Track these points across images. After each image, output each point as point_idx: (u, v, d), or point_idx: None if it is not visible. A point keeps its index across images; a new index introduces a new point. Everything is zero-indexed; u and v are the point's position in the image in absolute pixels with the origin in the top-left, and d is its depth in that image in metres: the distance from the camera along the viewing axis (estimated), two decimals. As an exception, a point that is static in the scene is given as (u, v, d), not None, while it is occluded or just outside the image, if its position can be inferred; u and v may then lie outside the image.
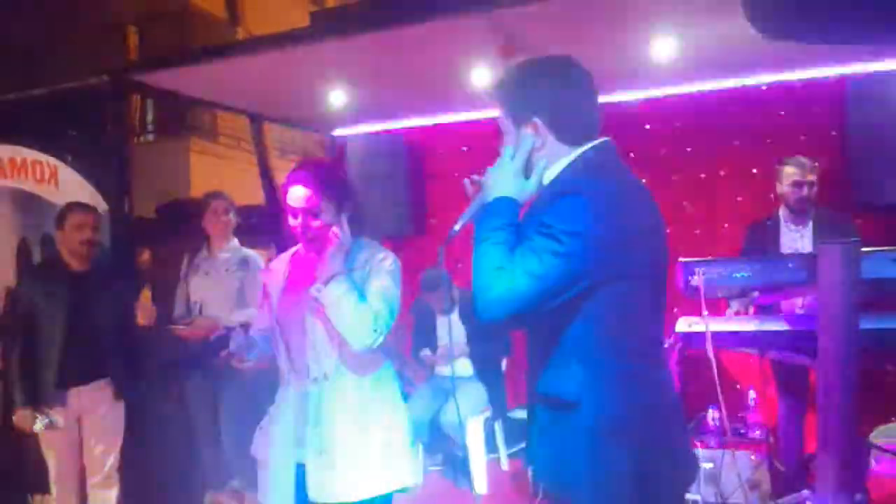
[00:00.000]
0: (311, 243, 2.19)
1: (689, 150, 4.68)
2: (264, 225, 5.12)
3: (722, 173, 4.63)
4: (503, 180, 1.59)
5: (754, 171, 4.45)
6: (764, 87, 4.38)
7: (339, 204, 2.20)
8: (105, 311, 3.36)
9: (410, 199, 5.11)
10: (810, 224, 3.57)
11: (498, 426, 4.45)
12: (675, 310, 3.20)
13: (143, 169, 6.22)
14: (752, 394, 3.86)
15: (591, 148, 1.60)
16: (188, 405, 3.94)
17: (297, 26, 3.88)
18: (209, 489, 3.93)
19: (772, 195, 3.70)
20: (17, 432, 3.28)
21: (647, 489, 1.51)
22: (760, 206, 3.99)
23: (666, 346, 2.30)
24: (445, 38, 3.60)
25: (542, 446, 1.63)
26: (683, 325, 3.00)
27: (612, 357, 1.52)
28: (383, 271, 2.19)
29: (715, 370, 2.60)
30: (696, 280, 2.81)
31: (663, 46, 3.66)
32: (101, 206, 3.91)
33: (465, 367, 4.41)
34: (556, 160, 1.61)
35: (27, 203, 4.14)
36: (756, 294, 2.90)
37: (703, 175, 4.68)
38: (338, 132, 5.58)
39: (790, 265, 2.69)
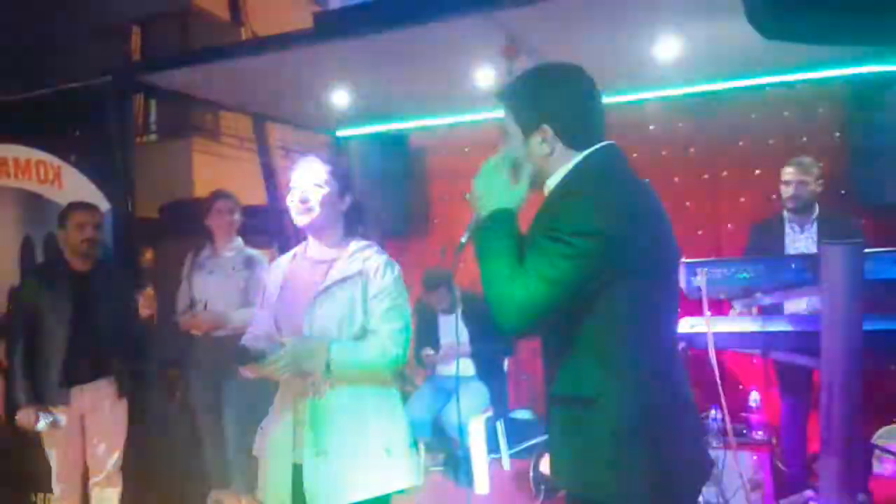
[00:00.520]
0: (303, 215, 2.16)
1: (691, 150, 4.68)
2: (267, 225, 5.13)
3: (724, 174, 4.64)
4: (493, 193, 1.59)
5: (757, 171, 4.45)
6: (767, 88, 4.38)
7: (341, 188, 2.21)
8: (108, 311, 3.37)
9: (413, 199, 5.12)
10: (814, 225, 3.57)
11: (500, 426, 4.45)
12: (678, 309, 3.21)
13: (145, 168, 6.23)
14: (754, 394, 3.86)
15: (596, 151, 1.61)
16: (192, 404, 3.95)
17: (300, 27, 3.89)
18: (212, 488, 3.94)
19: (773, 196, 3.70)
20: (20, 431, 3.28)
21: (667, 486, 1.51)
22: (763, 206, 4.00)
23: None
24: (448, 38, 3.61)
25: (562, 448, 1.62)
26: (686, 325, 3.00)
27: (628, 354, 1.52)
28: (386, 281, 2.16)
29: (717, 371, 2.60)
30: (699, 280, 2.81)
31: (666, 47, 3.67)
32: (104, 205, 3.92)
33: (466, 366, 4.41)
34: (562, 165, 1.62)
35: (30, 202, 4.15)
36: (759, 295, 2.90)
37: (705, 176, 4.68)
38: (341, 132, 5.59)
39: (793, 266, 2.68)
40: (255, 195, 5.62)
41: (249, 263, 3.87)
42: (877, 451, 3.77)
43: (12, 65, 9.67)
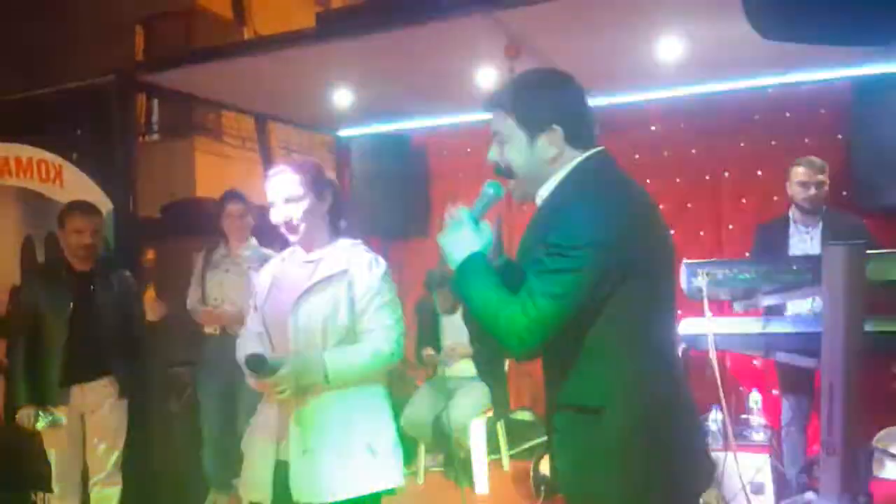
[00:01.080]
0: (292, 234, 2.19)
1: (693, 151, 4.68)
2: (268, 225, 5.12)
3: (727, 175, 4.63)
4: (463, 242, 1.60)
5: (759, 172, 4.44)
6: (769, 89, 4.37)
7: (318, 193, 2.19)
8: (108, 310, 3.37)
9: (415, 199, 5.11)
10: (820, 225, 3.56)
11: (500, 427, 4.44)
12: (679, 311, 3.20)
13: (147, 168, 6.23)
14: (755, 395, 3.85)
15: (586, 159, 1.60)
16: (202, 403, 3.94)
17: (303, 27, 3.89)
18: (212, 488, 3.94)
19: (774, 197, 3.69)
20: (20, 430, 3.28)
21: (669, 493, 1.51)
22: (765, 207, 3.99)
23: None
24: (450, 38, 3.61)
25: (566, 455, 1.60)
26: (686, 326, 3.00)
27: (632, 360, 1.51)
28: (374, 278, 2.17)
29: (717, 372, 2.60)
30: (700, 281, 2.80)
31: (668, 47, 3.66)
32: (106, 205, 3.92)
33: (467, 367, 4.41)
34: (557, 172, 1.61)
35: (32, 202, 4.15)
36: (761, 296, 2.90)
37: (707, 176, 4.67)
38: (343, 132, 5.59)
39: (795, 267, 2.68)
40: (257, 195, 5.63)
41: (266, 262, 3.87)
42: (878, 454, 3.76)
43: (15, 63, 9.68)
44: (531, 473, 3.99)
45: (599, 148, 1.63)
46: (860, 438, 2.76)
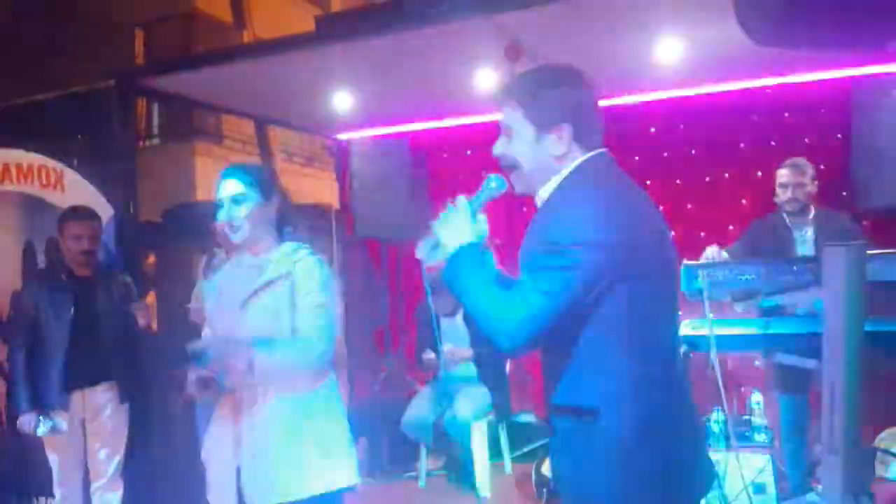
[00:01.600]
0: (233, 233, 2.20)
1: (693, 152, 4.68)
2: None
3: (726, 175, 4.63)
4: (459, 230, 1.61)
5: (759, 173, 4.44)
6: (769, 90, 4.37)
7: (265, 195, 2.21)
8: (109, 315, 3.37)
9: (414, 201, 5.11)
10: (811, 225, 3.56)
11: (502, 430, 4.44)
12: (680, 312, 3.20)
13: (148, 172, 6.24)
14: (756, 396, 3.85)
15: (586, 161, 1.59)
16: (197, 408, 3.94)
17: (302, 31, 3.90)
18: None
19: (774, 198, 3.69)
20: (22, 436, 3.28)
21: (668, 496, 1.50)
22: (764, 208, 3.98)
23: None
24: (449, 41, 3.61)
25: (563, 459, 1.60)
26: (687, 327, 2.99)
27: (627, 361, 1.50)
28: (313, 281, 2.18)
29: (719, 373, 2.59)
30: (701, 282, 2.80)
31: (668, 49, 3.67)
32: (107, 209, 3.92)
33: (469, 369, 4.40)
34: (561, 171, 1.60)
35: (33, 207, 4.15)
36: (761, 297, 2.90)
37: (707, 178, 4.68)
38: (343, 135, 5.60)
39: (795, 267, 2.68)
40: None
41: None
42: (879, 454, 3.76)
43: (15, 67, 9.69)
44: (533, 476, 3.99)
45: (601, 149, 1.62)
46: (862, 439, 2.76)
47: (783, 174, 3.55)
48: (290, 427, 2.13)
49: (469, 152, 5.09)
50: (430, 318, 4.47)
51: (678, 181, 4.71)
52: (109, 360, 3.36)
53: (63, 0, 10.51)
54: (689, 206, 4.68)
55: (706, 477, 1.66)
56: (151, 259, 5.68)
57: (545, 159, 1.60)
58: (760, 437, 3.70)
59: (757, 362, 4.18)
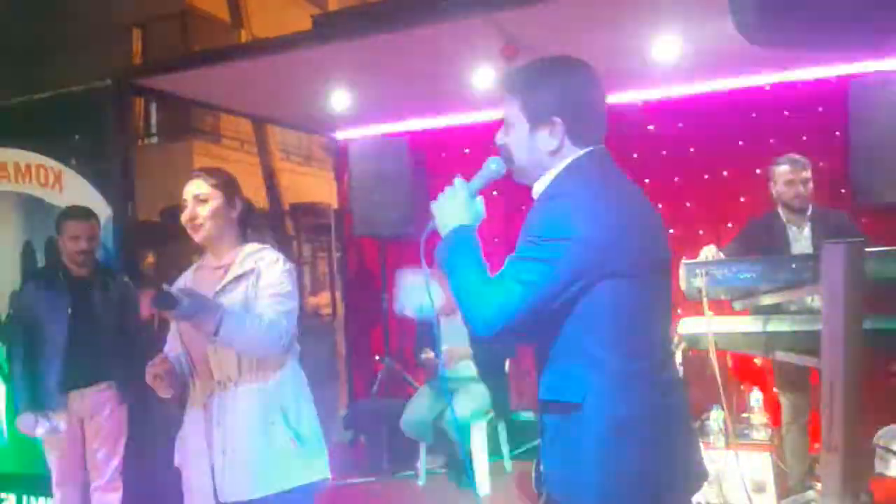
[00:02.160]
0: (195, 232, 2.23)
1: (691, 150, 4.68)
2: (267, 227, 5.13)
3: (725, 173, 4.63)
4: (455, 211, 1.62)
5: (757, 171, 4.43)
6: (767, 87, 4.37)
7: (228, 197, 2.26)
8: (107, 315, 3.37)
9: (413, 200, 5.11)
10: (808, 223, 3.55)
11: (501, 428, 4.44)
12: (679, 310, 3.21)
13: (146, 171, 6.24)
14: (755, 394, 3.85)
15: (582, 156, 1.59)
16: None
17: (300, 29, 3.89)
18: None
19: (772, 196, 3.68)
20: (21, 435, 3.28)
21: (654, 492, 1.50)
22: (763, 206, 3.98)
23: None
24: (447, 40, 3.61)
25: (550, 453, 1.61)
26: (686, 326, 3.00)
27: (611, 357, 1.50)
28: (275, 273, 2.22)
29: (718, 371, 2.60)
30: (699, 281, 2.81)
31: (666, 46, 3.66)
32: (105, 209, 3.92)
33: (468, 368, 4.40)
34: (555, 166, 1.60)
35: (31, 207, 4.15)
36: (760, 295, 2.90)
37: (706, 175, 4.68)
38: (341, 134, 5.59)
39: (793, 265, 2.68)
40: (256, 197, 5.63)
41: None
42: (878, 451, 3.77)
43: (12, 66, 9.68)
44: (533, 474, 3.99)
45: (596, 146, 1.61)
46: (861, 436, 2.76)
47: (786, 171, 3.51)
48: (261, 419, 2.16)
49: (468, 151, 5.09)
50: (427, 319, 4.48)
51: (676, 179, 4.71)
52: (108, 360, 3.36)
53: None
54: (688, 204, 4.68)
55: (693, 476, 1.64)
56: (150, 259, 5.69)
57: (538, 153, 1.60)
58: (760, 435, 3.70)
59: (756, 360, 4.19)
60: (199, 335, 2.15)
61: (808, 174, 3.50)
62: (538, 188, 1.62)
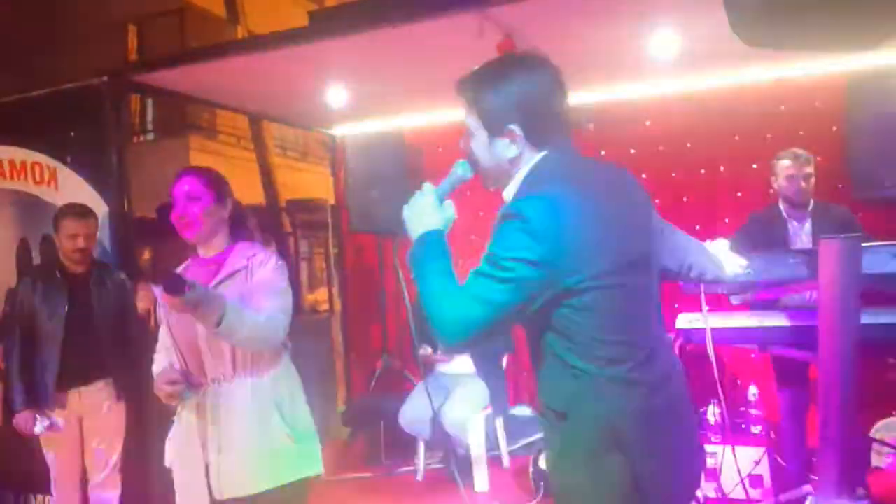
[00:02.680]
0: (187, 230, 2.23)
1: (688, 145, 4.68)
2: (264, 223, 5.12)
3: (722, 169, 4.63)
4: (424, 216, 1.61)
5: (754, 166, 4.44)
6: (763, 83, 4.37)
7: (218, 196, 2.28)
8: (104, 312, 3.36)
9: (410, 196, 5.10)
10: (809, 218, 3.56)
11: (499, 424, 4.45)
12: (676, 305, 3.21)
13: (142, 168, 6.23)
14: (753, 389, 3.86)
15: (539, 161, 1.58)
16: None
17: (296, 25, 3.88)
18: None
19: (770, 190, 3.69)
20: (18, 434, 3.27)
21: (645, 496, 1.49)
22: (760, 201, 3.99)
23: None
24: (444, 35, 3.60)
25: (548, 452, 1.64)
26: (683, 321, 3.00)
27: (588, 365, 1.49)
28: (268, 270, 2.23)
29: (715, 366, 2.60)
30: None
31: (662, 41, 3.66)
32: (101, 206, 3.91)
33: (465, 364, 4.41)
34: (521, 170, 1.59)
35: (27, 204, 4.14)
36: (757, 290, 2.90)
37: (703, 170, 4.68)
38: (337, 130, 5.58)
39: (791, 260, 2.68)
40: (252, 193, 5.62)
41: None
42: (875, 445, 3.78)
43: (8, 63, 9.64)
44: (530, 470, 4.00)
45: (553, 147, 1.58)
46: (857, 430, 2.77)
47: (788, 165, 3.52)
48: (256, 415, 2.17)
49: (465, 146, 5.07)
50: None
51: (673, 174, 4.71)
52: (105, 358, 3.35)
53: (55, -4, 10.46)
54: (685, 199, 4.69)
55: (686, 478, 1.63)
56: (146, 255, 5.68)
57: (500, 161, 1.59)
58: (757, 430, 3.71)
59: (753, 355, 4.20)
60: (192, 333, 2.16)
61: (810, 169, 3.51)
62: (507, 196, 1.62)
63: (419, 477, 4.39)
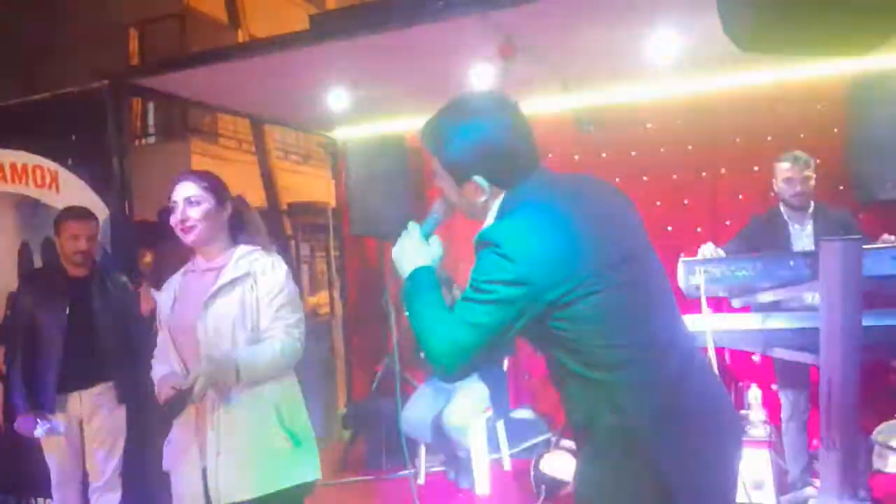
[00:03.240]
0: (187, 234, 2.24)
1: (689, 148, 4.68)
2: (258, 229, 5.10)
3: (723, 171, 4.63)
4: (412, 255, 1.67)
5: (755, 168, 4.44)
6: (764, 85, 4.37)
7: (218, 200, 2.28)
8: (105, 315, 3.36)
9: (411, 199, 5.11)
10: (810, 220, 3.56)
11: (500, 426, 4.44)
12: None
13: (144, 171, 6.22)
14: (754, 391, 3.85)
15: (507, 197, 1.60)
16: None
17: (297, 29, 3.88)
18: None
19: (771, 192, 3.69)
20: (19, 437, 3.27)
21: (677, 500, 1.46)
22: (761, 203, 3.98)
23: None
24: (445, 38, 3.60)
25: (578, 471, 1.65)
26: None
27: (601, 372, 1.49)
28: (275, 280, 2.23)
29: (716, 368, 2.60)
30: (698, 278, 2.81)
31: (663, 44, 3.66)
32: (102, 210, 3.91)
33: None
34: (495, 204, 1.62)
35: (28, 208, 4.15)
36: (759, 293, 2.90)
37: (704, 173, 4.67)
38: (339, 133, 5.59)
39: (791, 263, 2.69)
40: (253, 197, 5.62)
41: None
42: (877, 448, 3.77)
43: (9, 67, 9.66)
44: (532, 472, 3.99)
45: (527, 177, 1.60)
46: (859, 433, 2.76)
47: (786, 168, 3.52)
48: (255, 420, 2.17)
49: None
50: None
51: (674, 177, 4.71)
52: (106, 361, 3.35)
53: (57, 0, 10.48)
54: (686, 201, 4.68)
55: (722, 477, 1.58)
56: (148, 258, 5.67)
57: (471, 203, 1.64)
58: (758, 432, 3.71)
59: (755, 357, 4.19)
60: (192, 338, 2.17)
61: (809, 172, 3.50)
62: (487, 223, 1.65)
63: (420, 480, 4.38)
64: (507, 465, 4.46)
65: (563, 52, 3.50)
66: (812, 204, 3.56)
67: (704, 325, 2.70)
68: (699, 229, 4.60)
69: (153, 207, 6.25)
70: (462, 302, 1.52)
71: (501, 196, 1.62)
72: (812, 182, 3.51)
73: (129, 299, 3.53)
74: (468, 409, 4.15)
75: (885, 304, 2.68)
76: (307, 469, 2.26)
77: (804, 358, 2.91)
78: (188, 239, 2.25)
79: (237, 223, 2.35)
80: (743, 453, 1.67)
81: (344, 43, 3.63)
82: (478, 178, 1.59)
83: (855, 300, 2.29)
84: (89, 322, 3.32)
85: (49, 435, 3.24)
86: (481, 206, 1.64)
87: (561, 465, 3.94)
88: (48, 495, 3.45)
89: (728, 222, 4.48)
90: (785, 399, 3.67)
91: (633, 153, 4.68)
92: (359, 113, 4.78)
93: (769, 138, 4.39)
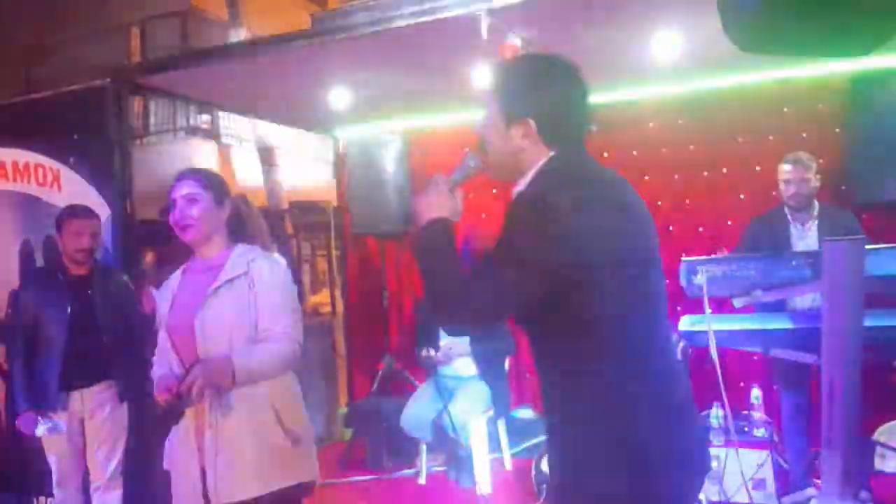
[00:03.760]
0: (184, 232, 2.24)
1: (691, 147, 4.67)
2: (258, 229, 5.10)
3: (724, 171, 4.63)
4: (436, 204, 1.62)
5: (757, 167, 4.44)
6: (766, 85, 4.37)
7: (217, 198, 2.28)
8: (107, 314, 3.36)
9: (410, 199, 5.10)
10: (814, 220, 3.56)
11: (501, 425, 4.44)
12: (679, 307, 3.20)
13: (145, 170, 6.21)
14: (756, 391, 3.85)
15: (551, 159, 1.60)
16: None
17: (298, 28, 3.89)
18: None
19: (773, 192, 3.69)
20: (21, 436, 3.27)
21: (644, 493, 1.48)
22: (763, 203, 3.98)
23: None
24: (447, 37, 3.60)
25: (549, 456, 1.65)
26: (686, 323, 2.99)
27: (587, 374, 1.50)
28: (273, 280, 2.23)
29: (718, 368, 2.60)
30: (700, 279, 2.80)
31: (665, 43, 3.66)
32: (104, 208, 3.91)
33: (467, 366, 4.40)
34: (530, 169, 1.61)
35: (30, 206, 4.15)
36: (760, 293, 2.89)
37: (705, 172, 4.67)
38: (340, 132, 5.59)
39: (794, 263, 2.68)
40: (253, 196, 5.61)
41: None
42: (878, 448, 3.77)
43: (11, 65, 9.66)
44: (533, 472, 3.99)
45: (562, 149, 1.60)
46: (861, 433, 2.76)
47: (786, 170, 3.53)
48: (254, 419, 2.16)
49: (467, 149, 5.07)
50: (428, 316, 4.48)
51: (676, 176, 4.71)
52: (108, 360, 3.35)
53: (58, -2, 10.48)
54: (687, 201, 4.68)
55: (691, 473, 1.60)
56: (150, 257, 5.67)
57: (511, 151, 1.62)
58: (760, 433, 3.71)
59: (756, 357, 4.19)
60: (190, 337, 2.17)
61: (810, 174, 3.51)
62: (517, 191, 1.63)
63: (421, 479, 4.38)
64: (508, 464, 4.46)
65: (564, 52, 3.49)
66: (816, 204, 3.57)
67: (707, 325, 2.69)
68: (701, 229, 4.60)
69: (154, 206, 6.26)
70: (486, 264, 1.50)
71: (538, 162, 1.60)
72: (813, 184, 3.52)
73: (130, 297, 3.52)
74: (469, 408, 4.15)
75: (887, 305, 2.67)
76: (305, 469, 2.26)
77: (805, 358, 2.91)
78: (186, 237, 2.25)
79: (237, 222, 2.34)
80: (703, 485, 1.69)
81: (345, 42, 3.63)
82: (530, 120, 1.58)
83: (857, 300, 2.29)
84: (91, 320, 3.32)
85: (50, 433, 3.25)
86: (518, 157, 1.61)
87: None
88: (49, 494, 3.45)
89: (730, 222, 4.48)
90: (786, 399, 3.67)
91: (635, 153, 4.68)
92: (360, 112, 4.79)
93: (771, 138, 4.39)
